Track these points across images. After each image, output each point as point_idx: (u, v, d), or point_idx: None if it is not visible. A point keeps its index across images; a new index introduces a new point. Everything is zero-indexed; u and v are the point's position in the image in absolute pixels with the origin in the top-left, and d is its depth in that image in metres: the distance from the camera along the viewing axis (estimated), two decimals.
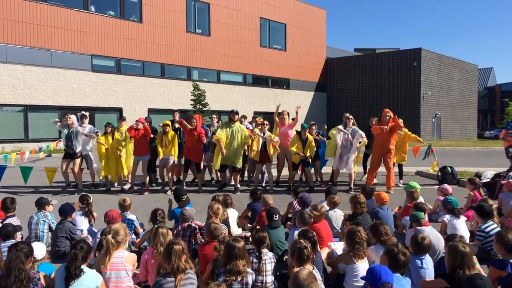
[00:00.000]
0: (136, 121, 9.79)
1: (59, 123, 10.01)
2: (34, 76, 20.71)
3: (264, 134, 9.78)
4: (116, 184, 10.40)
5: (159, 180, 10.96)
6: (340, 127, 9.82)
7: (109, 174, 9.98)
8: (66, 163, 9.72)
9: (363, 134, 9.78)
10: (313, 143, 9.81)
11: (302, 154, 9.56)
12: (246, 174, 11.05)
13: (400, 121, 9.72)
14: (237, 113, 9.95)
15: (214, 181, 11.24)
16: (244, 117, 11.75)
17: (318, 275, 3.67)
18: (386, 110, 9.84)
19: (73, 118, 9.88)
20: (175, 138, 9.80)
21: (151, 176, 10.68)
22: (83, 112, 10.43)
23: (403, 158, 10.61)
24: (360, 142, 9.80)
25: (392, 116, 9.59)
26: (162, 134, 9.70)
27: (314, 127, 10.29)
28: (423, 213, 5.09)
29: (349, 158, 9.69)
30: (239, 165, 9.71)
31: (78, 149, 9.72)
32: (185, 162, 10.02)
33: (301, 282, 2.83)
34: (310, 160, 9.99)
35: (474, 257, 3.68)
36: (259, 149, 9.75)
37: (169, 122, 9.90)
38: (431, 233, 4.66)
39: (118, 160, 9.90)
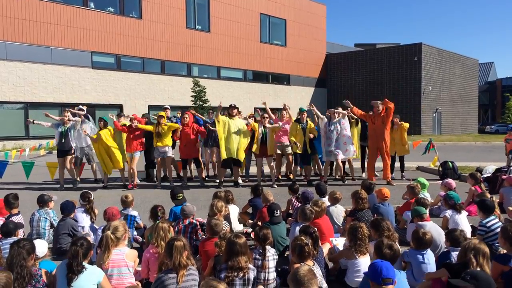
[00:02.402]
0: (131, 119, 9.76)
1: (48, 123, 9.86)
2: (34, 73, 20.70)
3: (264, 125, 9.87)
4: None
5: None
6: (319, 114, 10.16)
7: (108, 170, 9.77)
8: (63, 161, 9.67)
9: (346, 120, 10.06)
10: (313, 126, 9.98)
11: (300, 146, 9.62)
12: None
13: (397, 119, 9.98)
14: (235, 107, 9.88)
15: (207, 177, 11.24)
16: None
17: (319, 271, 3.68)
18: (375, 101, 10.09)
19: (70, 115, 9.81)
20: (170, 129, 9.70)
21: (151, 172, 10.69)
22: (80, 106, 10.38)
23: (403, 149, 10.59)
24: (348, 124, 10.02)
25: (382, 103, 9.81)
26: (157, 124, 9.64)
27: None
28: (424, 208, 5.09)
29: (338, 147, 9.76)
30: (241, 157, 9.67)
31: (73, 145, 9.68)
32: (183, 162, 10.08)
33: (300, 279, 2.83)
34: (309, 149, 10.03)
35: None
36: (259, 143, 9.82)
37: (164, 114, 9.88)
38: (433, 228, 4.66)
39: (112, 154, 9.67)
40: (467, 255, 3.47)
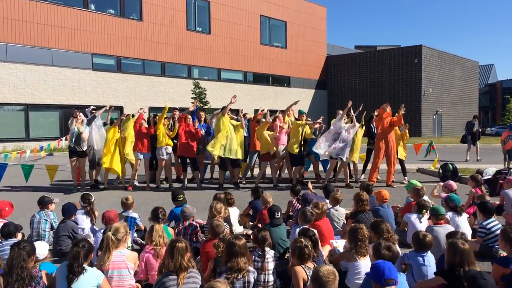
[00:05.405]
0: (138, 117, 9.74)
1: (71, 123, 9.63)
2: (35, 75, 20.73)
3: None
4: (118, 182, 10.36)
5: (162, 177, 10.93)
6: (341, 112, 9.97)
7: (111, 166, 9.54)
8: (74, 162, 9.53)
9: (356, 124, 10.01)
10: (308, 127, 10.12)
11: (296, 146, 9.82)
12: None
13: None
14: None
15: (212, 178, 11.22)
16: (244, 116, 11.79)
17: None
18: (386, 103, 10.21)
19: (81, 115, 9.60)
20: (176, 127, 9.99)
21: (152, 174, 10.66)
22: (92, 106, 10.36)
23: (401, 154, 10.62)
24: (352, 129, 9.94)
25: (388, 110, 9.94)
26: (168, 122, 9.98)
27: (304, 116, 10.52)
28: (425, 210, 5.08)
29: (344, 146, 9.66)
30: (240, 155, 9.73)
31: (85, 148, 9.58)
32: (181, 161, 10.09)
33: (319, 278, 2.91)
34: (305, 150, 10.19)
35: None
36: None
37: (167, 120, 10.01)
38: (443, 232, 4.65)
39: (120, 154, 9.66)
40: (455, 258, 3.48)
